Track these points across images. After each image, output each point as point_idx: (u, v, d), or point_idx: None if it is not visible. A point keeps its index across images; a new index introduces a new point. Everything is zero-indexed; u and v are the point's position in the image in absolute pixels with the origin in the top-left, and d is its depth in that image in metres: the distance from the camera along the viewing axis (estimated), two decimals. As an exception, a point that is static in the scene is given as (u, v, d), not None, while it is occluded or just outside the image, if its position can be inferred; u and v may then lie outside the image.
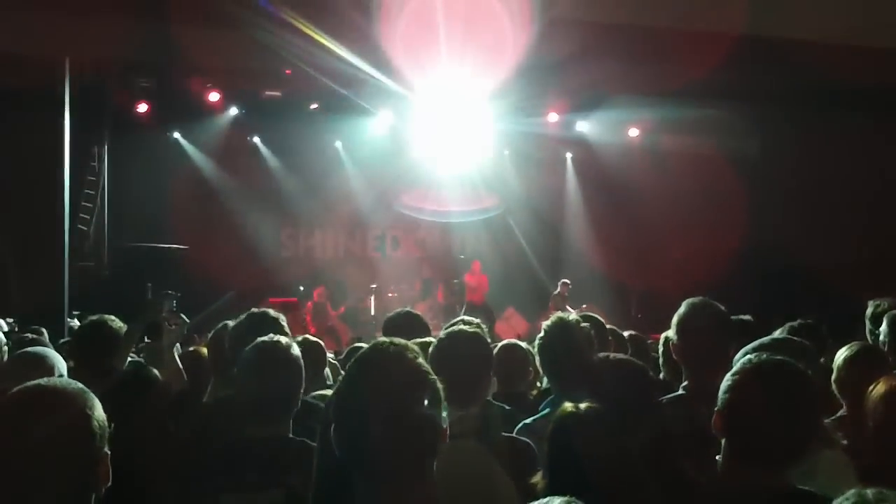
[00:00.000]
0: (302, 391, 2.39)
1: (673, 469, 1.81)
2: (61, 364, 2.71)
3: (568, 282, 12.47)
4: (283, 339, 2.35)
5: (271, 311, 2.93)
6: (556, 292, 12.45)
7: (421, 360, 1.54)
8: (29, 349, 3.02)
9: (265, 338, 2.33)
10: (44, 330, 5.26)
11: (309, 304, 12.02)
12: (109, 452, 1.54)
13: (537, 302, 13.26)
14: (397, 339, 1.57)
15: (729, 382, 1.70)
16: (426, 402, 1.49)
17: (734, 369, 1.71)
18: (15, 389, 1.51)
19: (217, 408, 2.65)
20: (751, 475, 1.63)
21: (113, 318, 3.20)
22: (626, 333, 4.25)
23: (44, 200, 7.75)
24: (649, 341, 4.60)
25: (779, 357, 1.72)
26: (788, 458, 1.66)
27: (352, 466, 1.48)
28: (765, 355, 1.73)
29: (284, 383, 2.28)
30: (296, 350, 2.36)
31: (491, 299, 12.80)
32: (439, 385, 1.52)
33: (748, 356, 1.75)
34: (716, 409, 1.72)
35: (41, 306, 7.30)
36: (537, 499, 1.50)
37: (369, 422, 1.45)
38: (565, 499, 1.46)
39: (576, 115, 12.88)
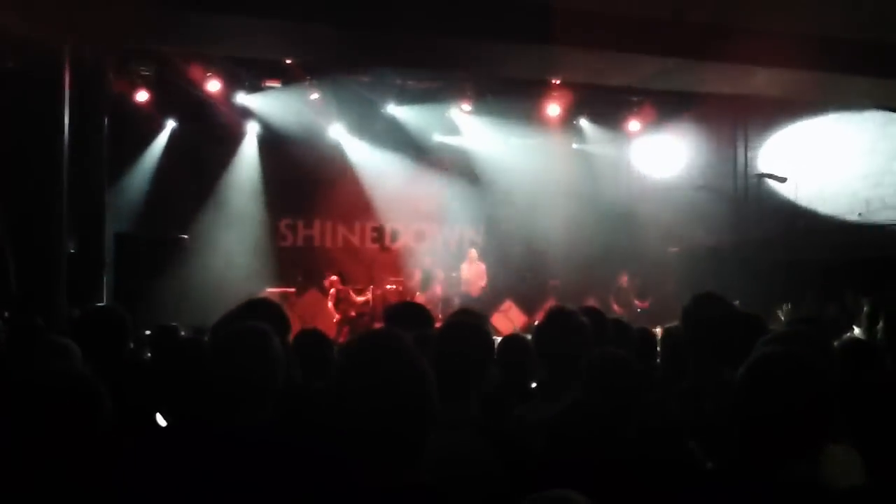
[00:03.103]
0: (277, 381, 2.32)
1: (680, 459, 1.82)
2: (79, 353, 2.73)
3: (625, 273, 12.53)
4: (256, 325, 2.27)
5: (269, 299, 2.92)
6: (618, 286, 12.49)
7: (411, 348, 1.55)
8: (54, 337, 3.03)
9: (237, 324, 2.27)
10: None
11: (333, 291, 12.05)
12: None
13: (535, 295, 13.29)
14: (388, 328, 1.60)
15: (741, 375, 1.70)
16: (417, 388, 1.50)
17: (747, 362, 1.72)
18: (43, 372, 1.54)
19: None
20: (761, 467, 1.64)
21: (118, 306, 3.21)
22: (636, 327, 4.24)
23: (42, 188, 7.73)
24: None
25: (791, 350, 1.73)
26: (799, 451, 1.66)
27: (345, 452, 1.49)
28: (777, 348, 1.73)
29: (255, 371, 2.21)
30: (271, 339, 2.28)
31: (490, 292, 12.81)
32: (429, 372, 1.53)
33: (761, 349, 1.76)
34: (728, 401, 1.73)
35: (38, 295, 7.29)
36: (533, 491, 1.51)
37: (360, 408, 1.47)
38: (559, 491, 1.47)
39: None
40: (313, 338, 3.64)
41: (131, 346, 3.54)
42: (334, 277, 12.16)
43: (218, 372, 2.12)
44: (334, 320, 11.76)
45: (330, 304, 12.01)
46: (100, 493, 1.58)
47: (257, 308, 2.76)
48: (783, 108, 11.40)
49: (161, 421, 2.67)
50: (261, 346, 2.16)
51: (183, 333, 4.42)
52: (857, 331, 4.73)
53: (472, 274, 12.70)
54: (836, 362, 2.17)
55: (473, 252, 12.95)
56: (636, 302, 12.50)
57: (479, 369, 2.37)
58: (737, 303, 6.94)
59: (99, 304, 3.17)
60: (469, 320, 2.55)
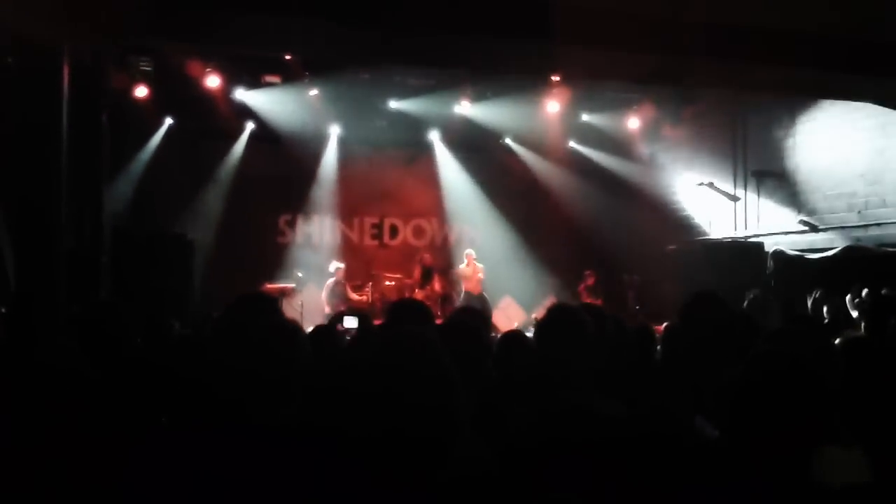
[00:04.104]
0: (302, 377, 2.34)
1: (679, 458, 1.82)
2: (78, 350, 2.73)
3: (591, 272, 12.59)
4: (287, 321, 2.30)
5: (266, 294, 2.93)
6: (582, 284, 12.57)
7: (440, 350, 1.52)
8: (52, 334, 3.04)
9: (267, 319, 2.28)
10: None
11: (330, 283, 12.01)
12: None
13: (535, 292, 13.31)
14: (415, 329, 1.56)
15: (739, 374, 1.69)
16: (443, 390, 1.47)
17: (745, 361, 1.71)
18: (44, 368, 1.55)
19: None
20: (759, 465, 1.63)
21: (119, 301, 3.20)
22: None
23: (40, 184, 7.72)
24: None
25: (788, 349, 1.72)
26: (796, 450, 1.65)
27: (362, 453, 1.47)
28: (775, 347, 1.72)
29: (286, 366, 2.21)
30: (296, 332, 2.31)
31: (489, 288, 12.82)
32: (455, 371, 1.50)
33: (759, 347, 1.75)
34: (726, 399, 1.72)
35: (37, 291, 7.28)
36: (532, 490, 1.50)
37: (384, 410, 1.44)
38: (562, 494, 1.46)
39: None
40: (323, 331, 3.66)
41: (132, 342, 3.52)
42: (341, 266, 12.13)
43: (250, 368, 2.12)
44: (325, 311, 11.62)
45: (324, 295, 11.92)
46: (105, 495, 1.55)
47: (255, 302, 2.76)
48: (782, 106, 11.41)
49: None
50: (293, 341, 2.17)
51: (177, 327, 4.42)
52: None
53: (471, 274, 12.68)
54: (840, 361, 2.17)
55: (472, 253, 12.91)
56: (589, 300, 12.52)
57: (477, 368, 2.37)
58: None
59: (99, 300, 3.13)
60: (467, 319, 2.56)
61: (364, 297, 12.55)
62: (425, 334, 1.56)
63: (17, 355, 2.96)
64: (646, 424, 2.18)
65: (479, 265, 12.74)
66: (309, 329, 3.76)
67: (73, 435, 1.54)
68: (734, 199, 12.03)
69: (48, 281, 7.54)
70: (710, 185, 12.56)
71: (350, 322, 2.95)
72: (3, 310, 6.29)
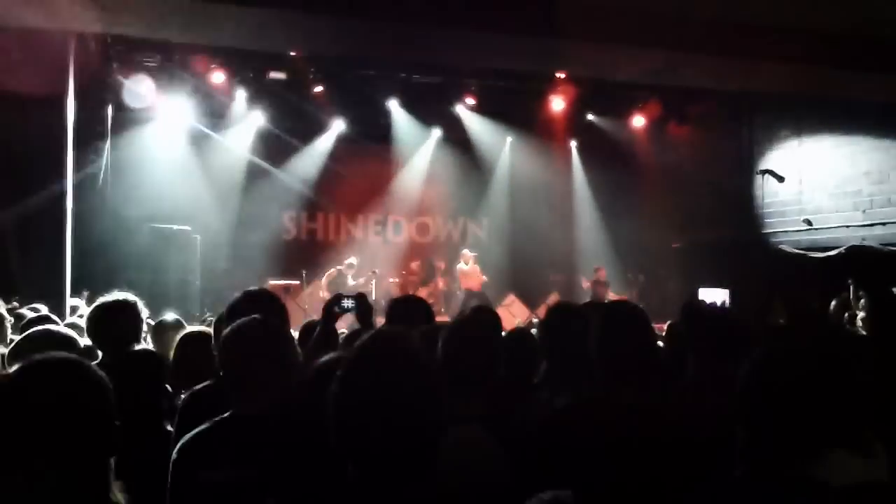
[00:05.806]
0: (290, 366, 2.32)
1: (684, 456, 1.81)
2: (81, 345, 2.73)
3: (601, 267, 12.53)
4: (265, 318, 2.28)
5: (267, 290, 2.93)
6: (594, 279, 12.44)
7: (422, 349, 1.51)
8: (50, 327, 3.05)
9: (245, 318, 2.26)
10: (41, 307, 5.27)
11: (333, 272, 12.01)
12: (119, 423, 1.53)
13: (538, 289, 13.30)
14: (399, 328, 1.54)
15: (744, 371, 1.66)
16: (428, 393, 1.46)
17: (750, 358, 1.68)
18: (32, 359, 1.51)
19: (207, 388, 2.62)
20: (765, 465, 1.61)
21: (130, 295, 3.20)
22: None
23: (47, 179, 7.74)
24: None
25: (798, 345, 1.68)
26: (803, 449, 1.60)
27: (350, 459, 1.46)
28: (780, 343, 1.70)
29: (267, 360, 2.22)
30: (280, 328, 2.31)
31: (492, 286, 12.81)
32: (441, 376, 1.49)
33: (769, 343, 1.72)
34: (729, 395, 1.70)
35: (43, 285, 7.31)
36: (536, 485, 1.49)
37: (370, 414, 1.42)
38: (552, 493, 1.46)
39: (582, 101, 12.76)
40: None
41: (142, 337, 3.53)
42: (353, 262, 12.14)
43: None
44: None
45: (324, 282, 11.87)
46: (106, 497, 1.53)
47: (256, 299, 2.76)
48: (788, 103, 11.38)
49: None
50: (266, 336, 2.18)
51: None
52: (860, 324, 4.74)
53: (471, 272, 12.66)
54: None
55: (467, 253, 12.84)
56: (611, 295, 12.48)
57: (486, 363, 2.37)
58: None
59: (111, 295, 3.10)
60: (478, 315, 2.55)
61: (368, 293, 12.53)
62: (406, 339, 1.54)
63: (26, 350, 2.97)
64: (651, 421, 2.17)
65: (477, 266, 12.64)
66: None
67: (74, 434, 1.51)
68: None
69: (53, 275, 7.57)
70: (710, 182, 12.47)
71: (347, 302, 2.96)
72: (14, 303, 6.30)
